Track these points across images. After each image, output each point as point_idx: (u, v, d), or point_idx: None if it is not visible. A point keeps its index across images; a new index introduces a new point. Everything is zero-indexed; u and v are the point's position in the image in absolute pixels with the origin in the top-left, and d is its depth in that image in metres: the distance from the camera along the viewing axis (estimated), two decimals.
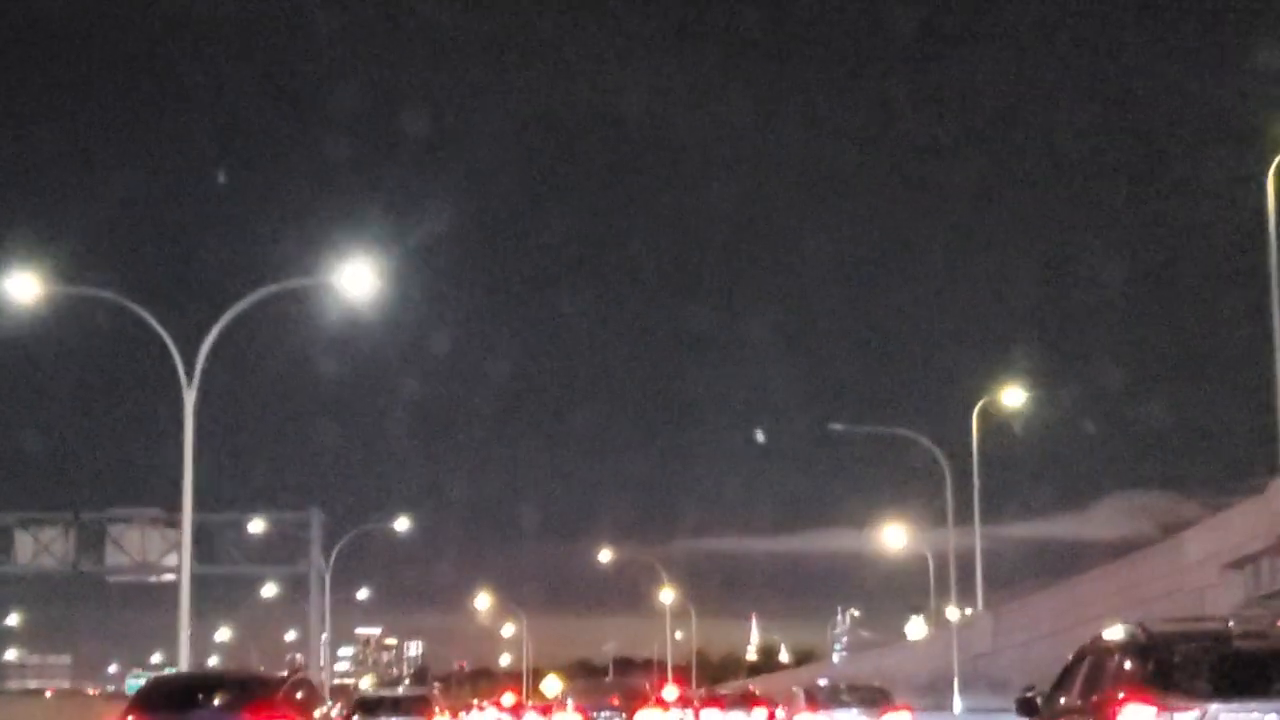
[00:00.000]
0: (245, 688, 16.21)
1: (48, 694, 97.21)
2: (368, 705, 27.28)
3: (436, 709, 30.21)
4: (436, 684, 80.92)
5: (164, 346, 25.41)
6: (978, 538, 41.33)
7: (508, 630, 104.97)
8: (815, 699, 27.24)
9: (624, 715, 27.82)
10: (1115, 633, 11.02)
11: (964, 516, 58.59)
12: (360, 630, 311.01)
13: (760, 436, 73.93)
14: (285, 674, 18.66)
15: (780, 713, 32.77)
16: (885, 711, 26.40)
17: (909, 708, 28.17)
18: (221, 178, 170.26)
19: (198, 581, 29.48)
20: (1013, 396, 40.26)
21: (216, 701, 15.46)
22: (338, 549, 59.21)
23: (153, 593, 69.77)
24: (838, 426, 42.02)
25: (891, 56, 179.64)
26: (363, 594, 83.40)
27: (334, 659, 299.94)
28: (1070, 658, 12.07)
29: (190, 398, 25.95)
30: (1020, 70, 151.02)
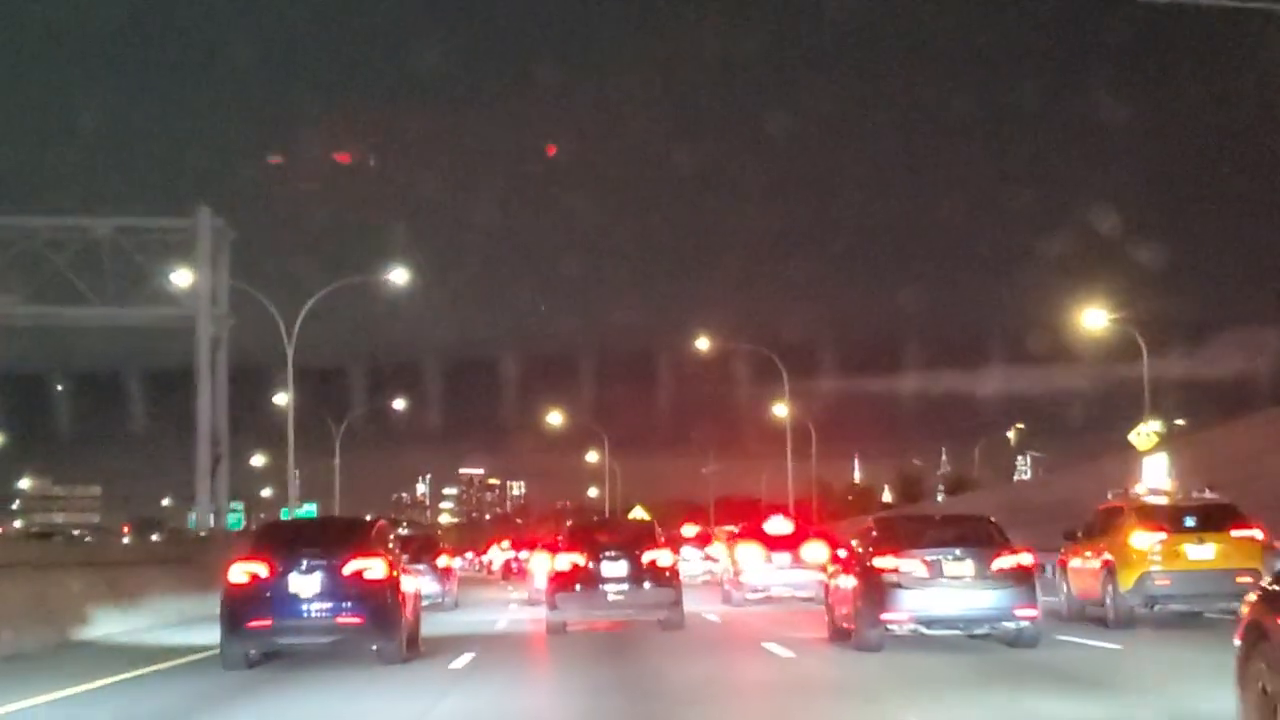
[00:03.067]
0: (346, 531, 19.42)
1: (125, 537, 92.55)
2: None
3: (440, 549, 35.95)
4: (440, 529, 72.77)
5: None
6: None
7: (600, 464, 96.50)
8: (893, 537, 18.69)
9: (630, 556, 22.77)
10: None
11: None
12: (464, 470, 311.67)
13: None
14: (370, 518, 23.22)
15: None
16: (999, 555, 17.85)
17: (1031, 551, 19.72)
18: None
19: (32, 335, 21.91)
20: None
21: (326, 542, 18.26)
22: (304, 313, 39.46)
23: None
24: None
25: None
26: (399, 404, 73.42)
27: (439, 498, 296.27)
28: None
29: None
30: None
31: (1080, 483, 44.30)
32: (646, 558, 22.80)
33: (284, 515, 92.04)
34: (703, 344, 54.25)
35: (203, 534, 42.90)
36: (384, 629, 17.64)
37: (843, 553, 20.01)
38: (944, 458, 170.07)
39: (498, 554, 73.78)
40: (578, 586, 22.65)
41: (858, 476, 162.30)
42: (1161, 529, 21.19)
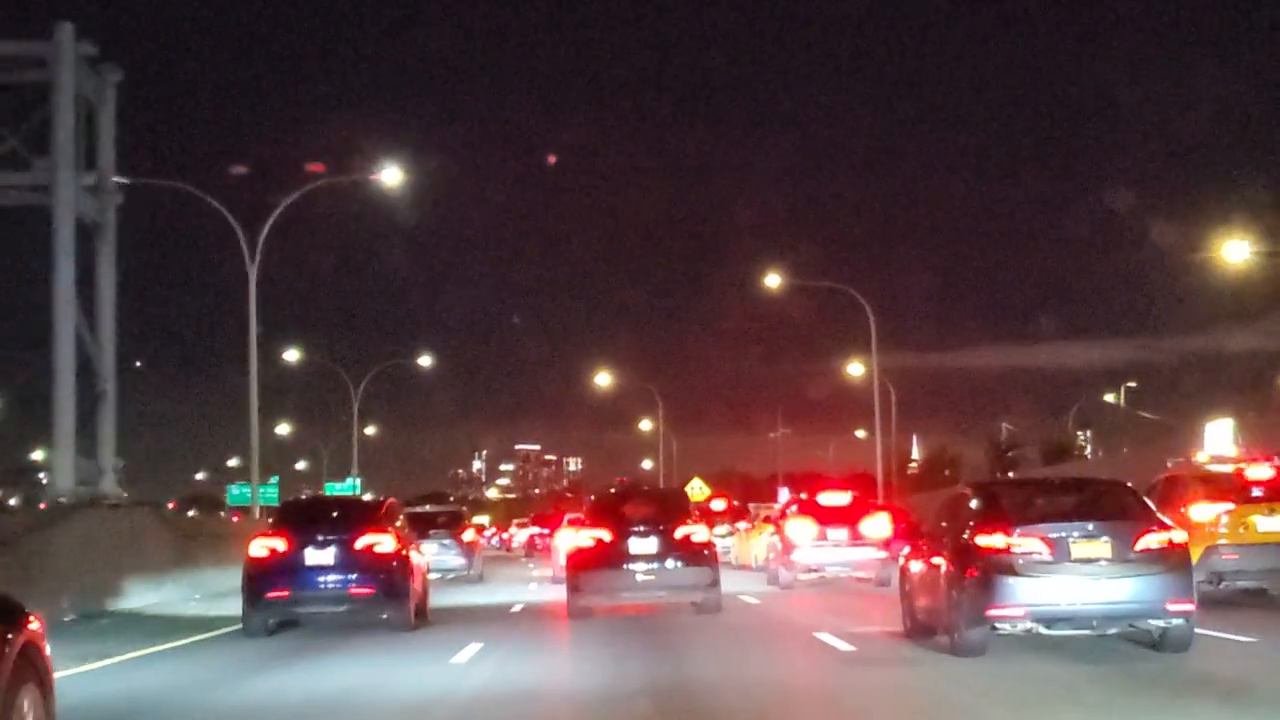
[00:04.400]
0: (357, 509, 21.02)
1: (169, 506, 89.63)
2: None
3: (465, 523, 35.83)
4: (465, 507, 69.00)
5: None
6: None
7: (656, 436, 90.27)
8: (1001, 507, 14.31)
9: (661, 531, 20.18)
10: None
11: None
12: (520, 446, 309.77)
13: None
14: (380, 498, 23.96)
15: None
16: (1145, 531, 13.62)
17: (1185, 526, 15.60)
18: None
19: None
20: None
21: (339, 520, 19.49)
22: (269, 227, 32.65)
23: None
24: None
25: None
26: (425, 360, 65.77)
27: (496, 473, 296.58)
28: None
29: None
30: None
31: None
32: (679, 533, 20.15)
33: (328, 490, 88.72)
34: (773, 281, 46.75)
35: (63, 499, 33.98)
36: (393, 599, 18.63)
37: (932, 529, 15.79)
38: (1004, 432, 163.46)
39: (519, 531, 71.42)
40: (602, 566, 20.11)
41: (915, 453, 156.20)
42: (1227, 500, 18.79)
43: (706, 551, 20.39)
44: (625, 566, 19.96)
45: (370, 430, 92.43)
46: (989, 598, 13.17)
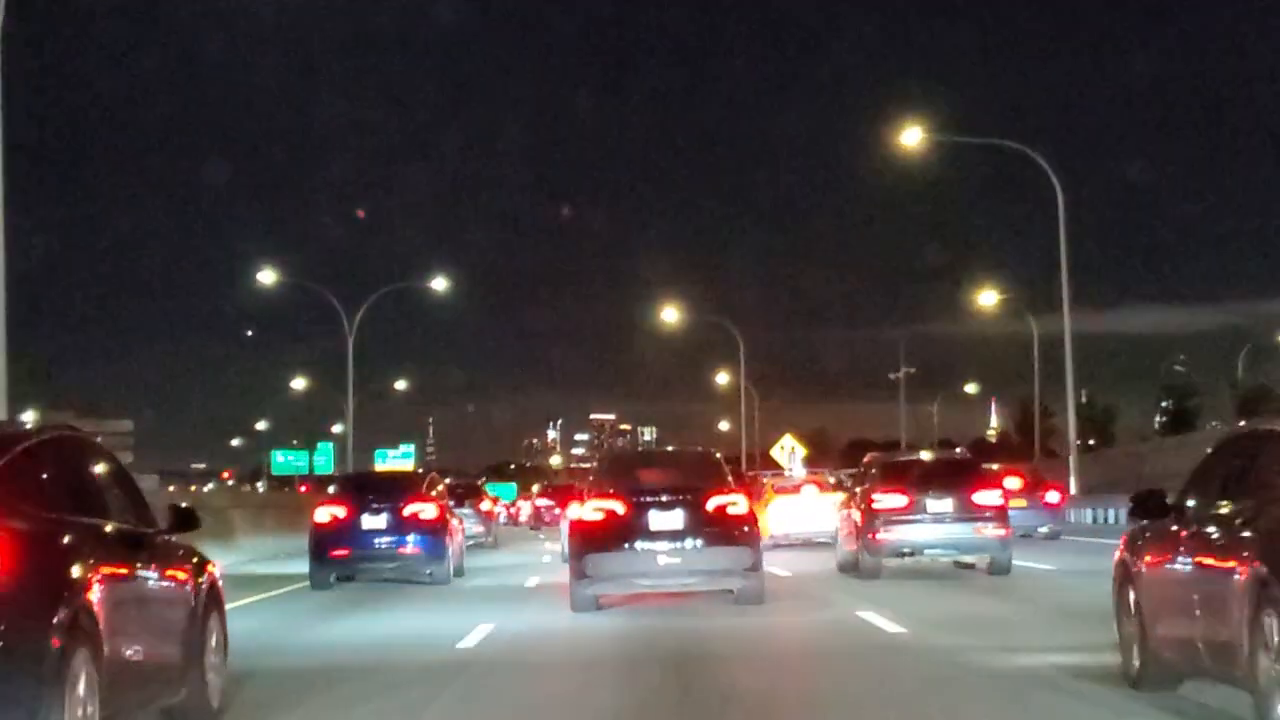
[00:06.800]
0: (405, 481, 24.86)
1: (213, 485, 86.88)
2: None
3: (483, 494, 41.40)
4: (483, 478, 65.76)
5: None
6: None
7: (736, 393, 79.80)
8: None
9: (689, 503, 16.69)
10: None
11: None
12: (595, 416, 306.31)
13: None
14: (424, 472, 29.33)
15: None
16: None
17: None
18: None
19: None
20: None
21: (390, 490, 22.91)
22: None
23: None
24: None
25: None
26: (441, 285, 55.14)
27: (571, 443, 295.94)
28: None
29: None
30: None
31: None
32: (712, 504, 16.69)
33: (378, 457, 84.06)
34: (912, 137, 41.58)
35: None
36: (435, 558, 21.93)
37: (1182, 500, 8.89)
38: (1083, 399, 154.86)
39: (524, 504, 71.63)
40: (613, 545, 16.59)
41: (994, 420, 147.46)
42: None
43: (746, 528, 16.79)
44: (643, 546, 16.47)
45: (401, 385, 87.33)
46: None
